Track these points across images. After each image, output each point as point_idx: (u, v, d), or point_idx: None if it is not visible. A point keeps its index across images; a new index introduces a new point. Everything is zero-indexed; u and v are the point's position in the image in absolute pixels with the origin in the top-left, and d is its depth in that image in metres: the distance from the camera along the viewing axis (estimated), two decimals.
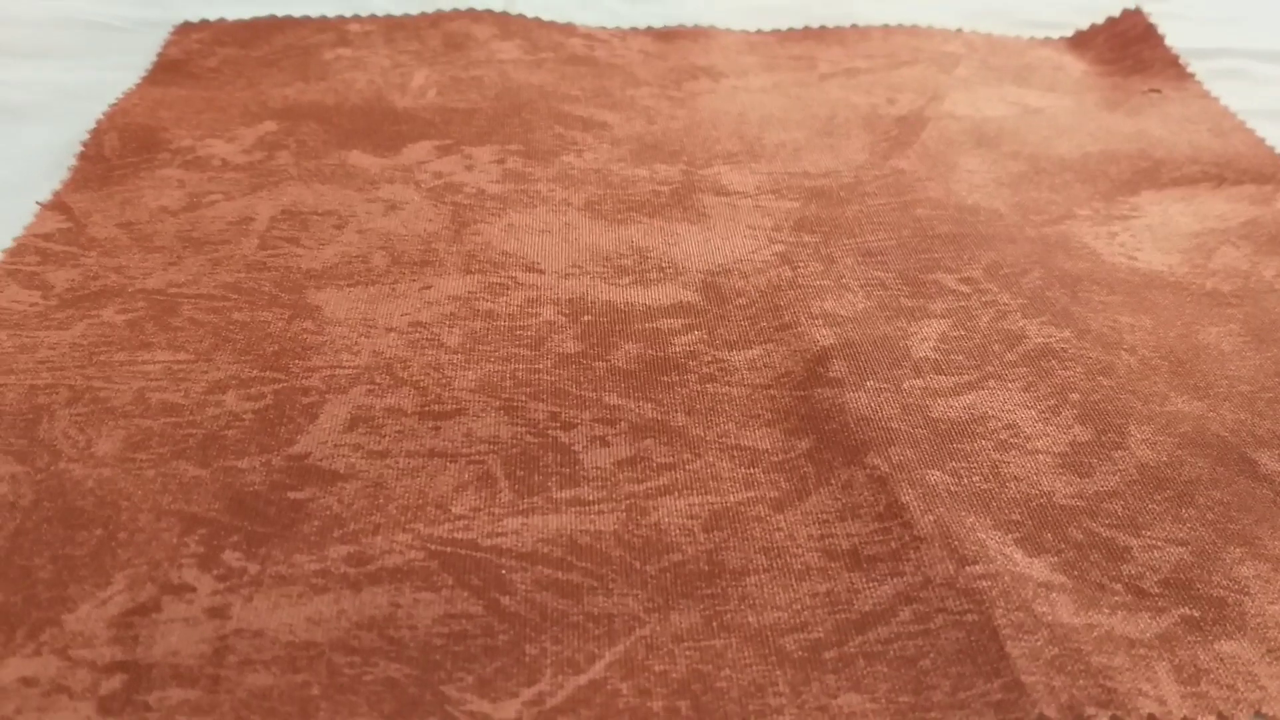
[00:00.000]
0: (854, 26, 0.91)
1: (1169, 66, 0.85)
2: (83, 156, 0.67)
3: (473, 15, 0.89)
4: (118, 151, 0.67)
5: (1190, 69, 0.85)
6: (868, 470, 0.46)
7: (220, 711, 0.36)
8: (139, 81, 0.78)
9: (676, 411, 0.50)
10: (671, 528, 0.43)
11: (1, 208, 0.62)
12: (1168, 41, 0.88)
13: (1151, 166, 0.72)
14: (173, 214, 0.62)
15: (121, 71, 0.79)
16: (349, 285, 0.57)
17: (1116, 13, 0.92)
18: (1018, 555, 0.42)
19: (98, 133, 0.69)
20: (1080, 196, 0.69)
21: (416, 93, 0.77)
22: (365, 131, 0.72)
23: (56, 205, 0.62)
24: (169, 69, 0.79)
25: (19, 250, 0.58)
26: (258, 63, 0.80)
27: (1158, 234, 0.65)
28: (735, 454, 0.47)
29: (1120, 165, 0.72)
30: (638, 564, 0.42)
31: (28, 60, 0.81)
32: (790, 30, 0.91)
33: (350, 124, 0.73)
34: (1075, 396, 0.51)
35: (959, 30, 0.91)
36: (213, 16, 0.87)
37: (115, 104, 0.73)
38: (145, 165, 0.66)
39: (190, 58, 0.81)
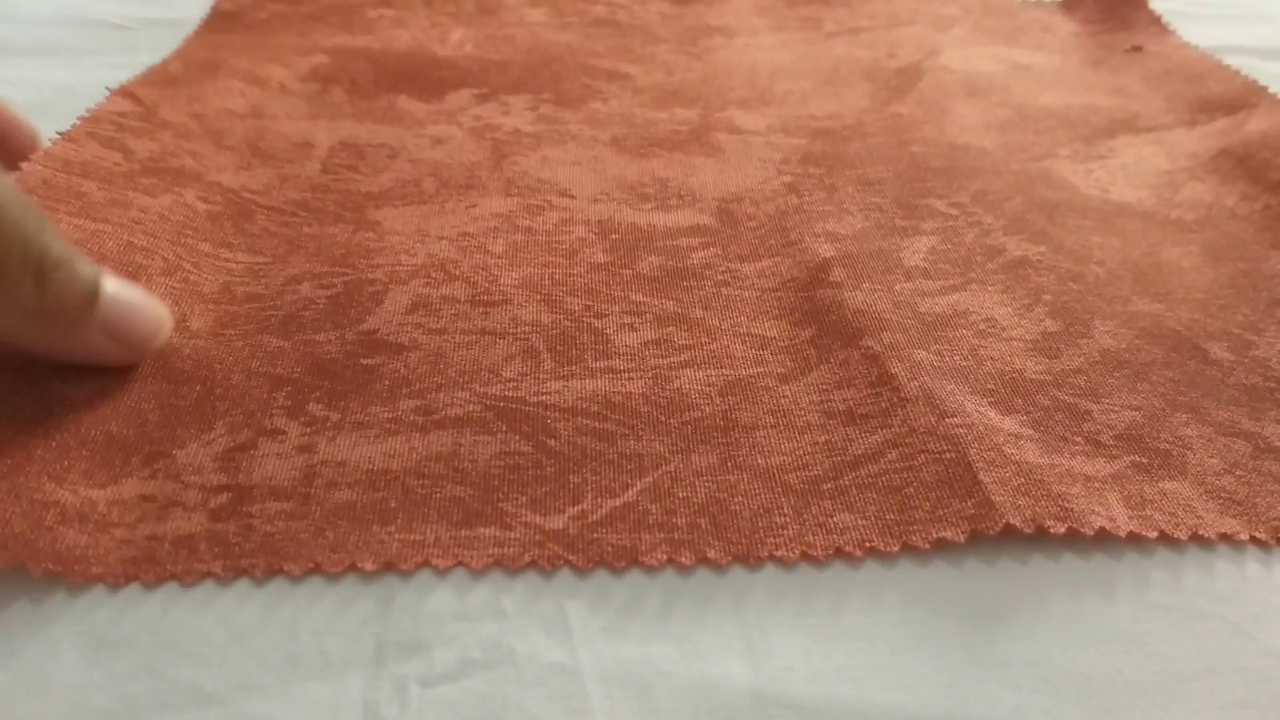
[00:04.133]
0: None
1: (1151, 25, 0.91)
2: (148, 71, 0.74)
3: None
4: (181, 72, 0.74)
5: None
6: (862, 350, 0.52)
7: (312, 517, 0.42)
8: (196, 28, 0.84)
9: (695, 307, 0.56)
10: (692, 392, 0.50)
11: None
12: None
13: (1129, 117, 0.79)
14: (239, 117, 0.68)
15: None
16: (404, 205, 0.64)
17: None
18: (991, 413, 0.49)
19: (163, 64, 0.76)
20: (1062, 139, 0.75)
21: (455, 45, 0.84)
22: (410, 75, 0.79)
23: (124, 93, 0.68)
24: (224, 18, 0.86)
25: (95, 119, 0.63)
26: (305, 17, 0.88)
27: (1131, 172, 0.71)
28: (747, 340, 0.54)
29: (1100, 115, 0.79)
30: (663, 418, 0.48)
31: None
32: None
33: (397, 66, 0.80)
34: (1048, 298, 0.58)
35: None
36: None
37: (174, 51, 0.79)
38: (208, 78, 0.73)
39: (243, 10, 0.88)
